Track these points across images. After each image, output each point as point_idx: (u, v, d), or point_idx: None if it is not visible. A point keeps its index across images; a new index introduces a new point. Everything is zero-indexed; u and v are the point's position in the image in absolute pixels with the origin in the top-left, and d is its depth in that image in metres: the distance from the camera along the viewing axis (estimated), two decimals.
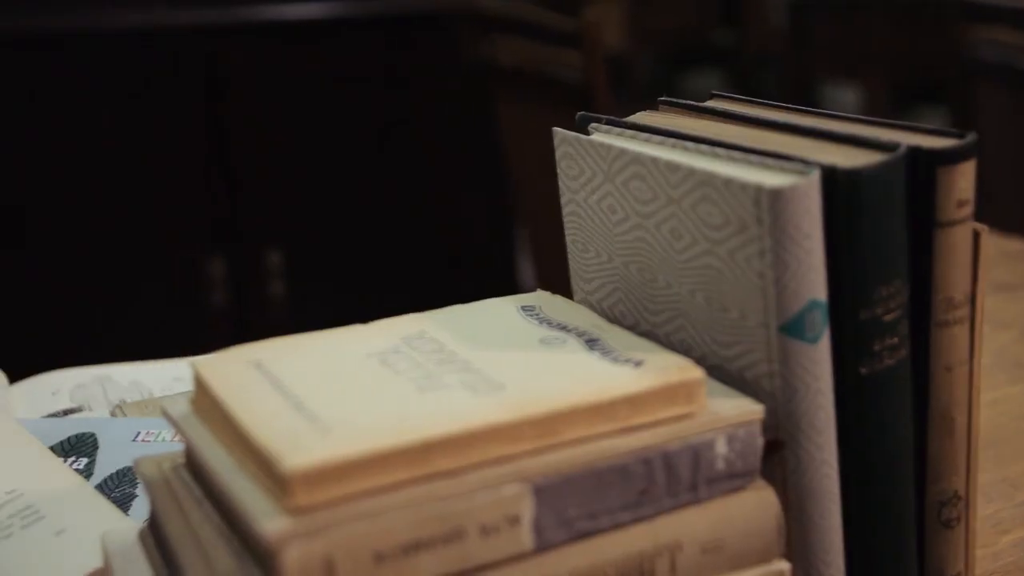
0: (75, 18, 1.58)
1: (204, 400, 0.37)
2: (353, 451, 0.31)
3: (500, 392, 0.35)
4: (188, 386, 0.65)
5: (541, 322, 0.41)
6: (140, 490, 0.52)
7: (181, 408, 0.39)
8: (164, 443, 0.55)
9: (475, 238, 1.82)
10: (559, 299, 0.43)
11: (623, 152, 0.41)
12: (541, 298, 0.43)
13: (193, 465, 0.38)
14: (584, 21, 1.23)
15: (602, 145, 0.42)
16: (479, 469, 0.33)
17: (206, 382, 0.37)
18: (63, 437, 0.54)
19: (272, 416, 0.34)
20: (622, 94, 1.97)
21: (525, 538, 0.33)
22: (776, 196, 0.35)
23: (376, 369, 0.37)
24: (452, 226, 1.80)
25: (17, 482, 0.46)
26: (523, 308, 0.42)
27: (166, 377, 0.66)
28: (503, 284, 1.79)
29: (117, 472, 0.53)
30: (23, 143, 1.55)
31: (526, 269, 1.74)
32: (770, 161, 0.37)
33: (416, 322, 0.41)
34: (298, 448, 0.31)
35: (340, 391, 0.35)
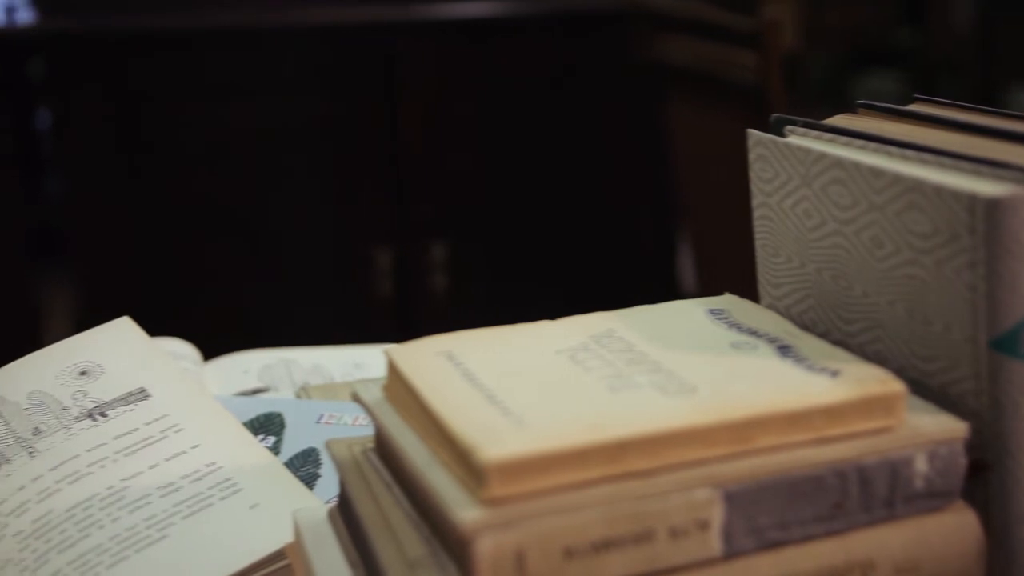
0: (256, 16, 1.66)
1: (397, 387, 0.38)
2: (549, 446, 0.32)
3: (692, 395, 0.34)
4: (367, 372, 0.67)
5: (730, 326, 0.40)
6: (323, 470, 0.54)
7: (374, 394, 0.40)
8: (345, 426, 0.57)
9: (637, 237, 1.81)
10: (748, 304, 0.43)
11: (823, 156, 0.40)
12: (730, 302, 0.43)
13: (383, 450, 0.40)
14: (763, 21, 1.21)
15: (800, 148, 0.41)
16: (671, 471, 0.32)
17: (400, 370, 0.38)
18: (253, 415, 0.56)
19: (466, 407, 0.34)
20: (793, 95, 1.92)
21: (714, 544, 0.33)
22: (993, 205, 0.33)
23: (566, 366, 0.37)
24: (614, 224, 1.80)
25: (217, 455, 0.48)
26: (711, 311, 0.42)
27: (346, 362, 0.68)
28: (663, 284, 1.78)
29: (302, 452, 0.55)
30: (212, 138, 1.63)
31: (686, 270, 1.72)
32: (983, 168, 0.36)
33: (604, 321, 0.41)
34: (494, 440, 0.32)
35: (531, 385, 0.36)
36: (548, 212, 1.78)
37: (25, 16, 1.53)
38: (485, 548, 0.31)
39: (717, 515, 0.33)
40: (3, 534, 0.45)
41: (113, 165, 1.61)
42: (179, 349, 0.68)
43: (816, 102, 2.14)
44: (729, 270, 1.52)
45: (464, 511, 0.31)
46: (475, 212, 1.76)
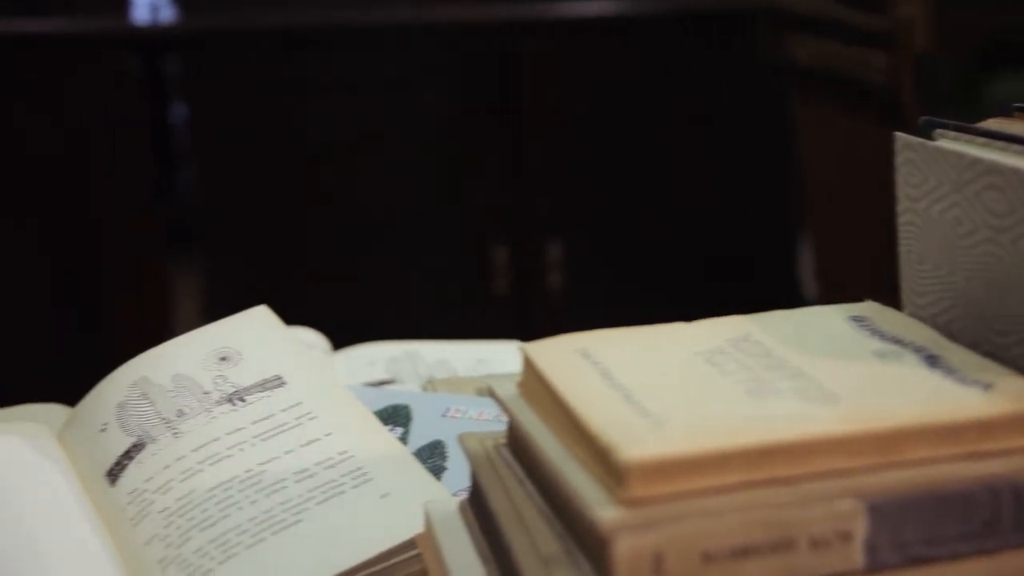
0: (384, 13, 1.69)
1: (532, 384, 0.39)
2: (690, 448, 0.31)
3: (836, 403, 0.34)
4: (491, 368, 0.68)
5: (873, 334, 0.39)
6: (449, 463, 0.54)
7: (508, 389, 0.40)
8: (470, 420, 0.58)
9: (756, 239, 1.78)
10: (891, 311, 0.42)
11: (977, 161, 0.38)
12: (872, 309, 0.42)
13: (516, 445, 0.40)
14: (895, 20, 1.17)
15: (952, 152, 0.40)
16: (814, 480, 0.32)
17: (536, 367, 0.38)
18: (381, 406, 0.57)
19: (604, 405, 0.34)
20: (923, 97, 1.85)
21: (856, 556, 0.32)
22: None
23: (703, 368, 0.37)
24: (733, 226, 1.77)
25: (349, 444, 0.50)
26: (853, 318, 0.41)
27: (470, 357, 0.69)
28: (781, 288, 1.74)
29: (428, 444, 0.56)
30: (339, 134, 1.66)
31: (808, 273, 1.68)
32: None
33: (740, 324, 0.41)
34: (634, 440, 0.32)
35: (669, 386, 0.36)
36: (666, 212, 1.76)
37: (167, 14, 1.60)
38: (623, 548, 0.31)
39: (861, 527, 0.32)
40: (149, 510, 0.47)
41: (243, 159, 1.66)
42: (310, 338, 0.70)
43: (947, 105, 2.07)
44: (853, 275, 1.48)
45: (603, 510, 0.31)
46: (592, 211, 1.76)
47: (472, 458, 0.41)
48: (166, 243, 1.68)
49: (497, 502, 0.38)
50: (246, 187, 1.67)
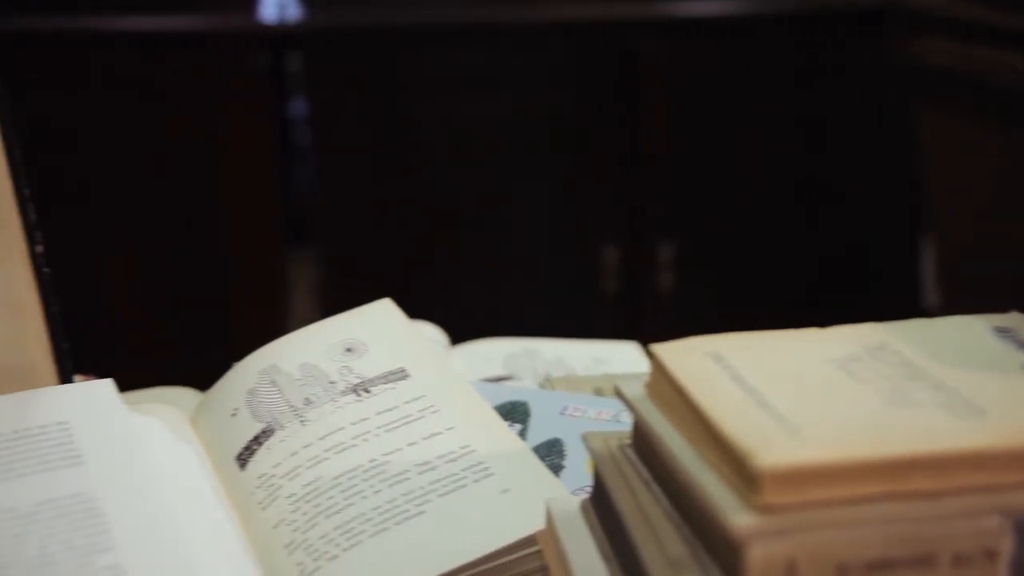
0: (502, 12, 1.70)
1: (661, 385, 0.38)
2: (828, 456, 0.31)
3: (982, 417, 0.33)
4: (608, 367, 0.68)
5: (1020, 347, 0.38)
6: (567, 462, 0.54)
7: (636, 390, 0.40)
8: (588, 420, 0.58)
9: (876, 244, 1.73)
10: None
11: None
12: (1017, 320, 0.40)
13: (643, 446, 0.40)
14: None
15: None
16: (958, 495, 0.31)
17: (667, 368, 0.38)
18: (499, 402, 0.58)
19: (737, 410, 0.34)
20: None
21: None
22: None
23: (838, 376, 0.36)
24: (852, 230, 1.73)
25: (470, 439, 0.50)
26: (997, 330, 0.39)
27: (587, 356, 0.69)
28: (902, 294, 1.69)
29: (546, 442, 0.56)
30: (455, 131, 1.68)
31: (929, 280, 1.63)
32: None
33: (875, 333, 0.40)
34: (770, 446, 0.31)
35: (803, 393, 0.35)
36: (781, 215, 1.73)
37: (293, 12, 1.64)
38: (757, 555, 0.30)
39: (1006, 546, 0.31)
40: (277, 495, 0.49)
41: (361, 155, 1.69)
42: (430, 333, 0.70)
43: None
44: (979, 283, 1.43)
45: (737, 516, 0.31)
46: (706, 213, 1.74)
47: (596, 457, 0.41)
48: (285, 236, 1.73)
49: (622, 503, 0.38)
50: (364, 183, 1.70)
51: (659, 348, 0.39)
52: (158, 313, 1.66)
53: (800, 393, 0.35)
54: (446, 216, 1.71)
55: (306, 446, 0.51)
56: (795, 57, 1.69)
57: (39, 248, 0.48)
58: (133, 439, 0.45)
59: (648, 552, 0.35)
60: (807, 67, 1.68)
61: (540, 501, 0.45)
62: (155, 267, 1.67)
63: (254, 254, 1.67)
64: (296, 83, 1.82)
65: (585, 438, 0.43)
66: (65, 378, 0.50)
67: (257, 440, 0.52)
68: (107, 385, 0.48)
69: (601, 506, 0.41)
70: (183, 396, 0.67)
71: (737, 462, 0.32)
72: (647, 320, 1.70)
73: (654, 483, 0.38)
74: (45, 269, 0.49)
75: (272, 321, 1.66)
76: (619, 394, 0.40)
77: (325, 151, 1.73)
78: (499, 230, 1.71)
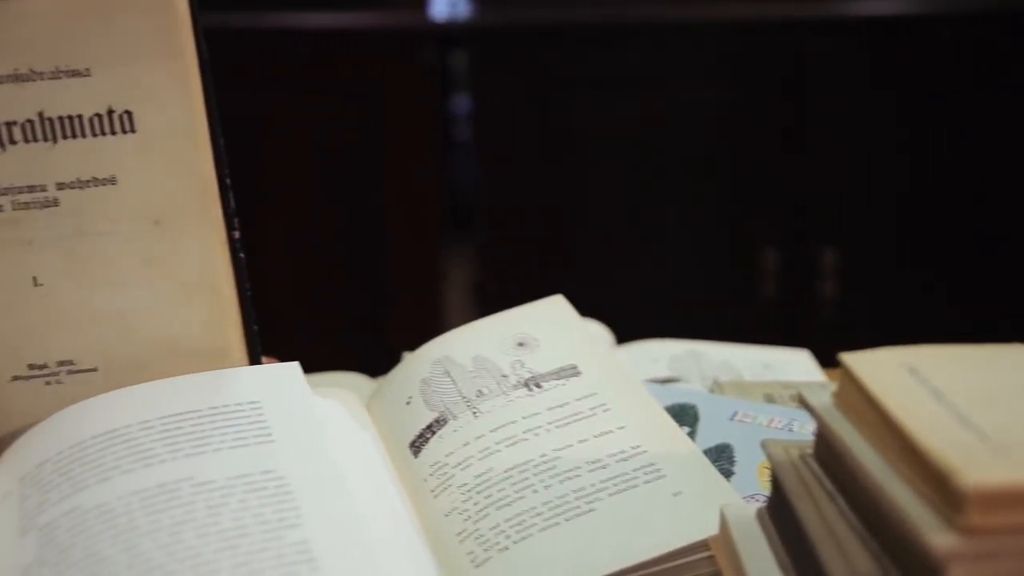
0: (667, 10, 1.68)
1: (852, 396, 0.37)
2: None
3: None
4: (778, 374, 0.66)
5: None
6: (737, 468, 0.54)
7: (823, 400, 0.39)
8: (759, 427, 0.56)
9: None
10: None
11: None
12: None
13: (828, 457, 0.39)
14: None
15: None
16: None
17: (858, 379, 0.37)
18: (667, 404, 0.57)
19: (937, 425, 0.33)
20: None
21: None
22: None
23: None
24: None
25: (642, 439, 0.50)
26: None
27: (756, 362, 0.68)
28: None
29: (716, 447, 0.55)
30: (617, 129, 1.68)
31: None
32: None
33: None
34: (975, 464, 0.30)
35: (1008, 411, 0.33)
36: (955, 221, 1.65)
37: (463, 10, 1.67)
38: None
39: None
40: (449, 484, 0.50)
41: (521, 151, 1.70)
42: (596, 331, 0.70)
43: None
44: None
45: (937, 536, 0.30)
46: (872, 218, 1.68)
47: (777, 466, 0.40)
48: (443, 230, 1.76)
49: (805, 514, 0.37)
50: (523, 180, 1.72)
51: (850, 358, 0.38)
52: (317, 299, 1.72)
53: (1005, 411, 0.33)
54: (604, 214, 1.71)
55: (478, 437, 0.52)
56: (970, 57, 1.61)
57: (236, 234, 0.51)
58: (319, 421, 0.47)
59: (833, 566, 0.34)
60: (979, 67, 1.61)
61: (712, 506, 0.45)
62: (316, 254, 1.73)
63: (413, 246, 1.71)
64: (459, 80, 1.85)
65: (765, 445, 0.42)
66: (254, 359, 0.52)
67: (430, 429, 0.53)
68: (294, 368, 0.50)
69: (780, 515, 0.40)
70: (355, 381, 0.69)
71: (938, 480, 0.31)
72: (805, 327, 1.65)
73: (839, 495, 0.37)
74: (240, 255, 0.51)
75: (428, 312, 1.69)
76: (804, 403, 0.40)
77: (486, 147, 1.75)
78: (656, 229, 1.70)
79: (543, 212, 1.71)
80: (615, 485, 0.48)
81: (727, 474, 0.53)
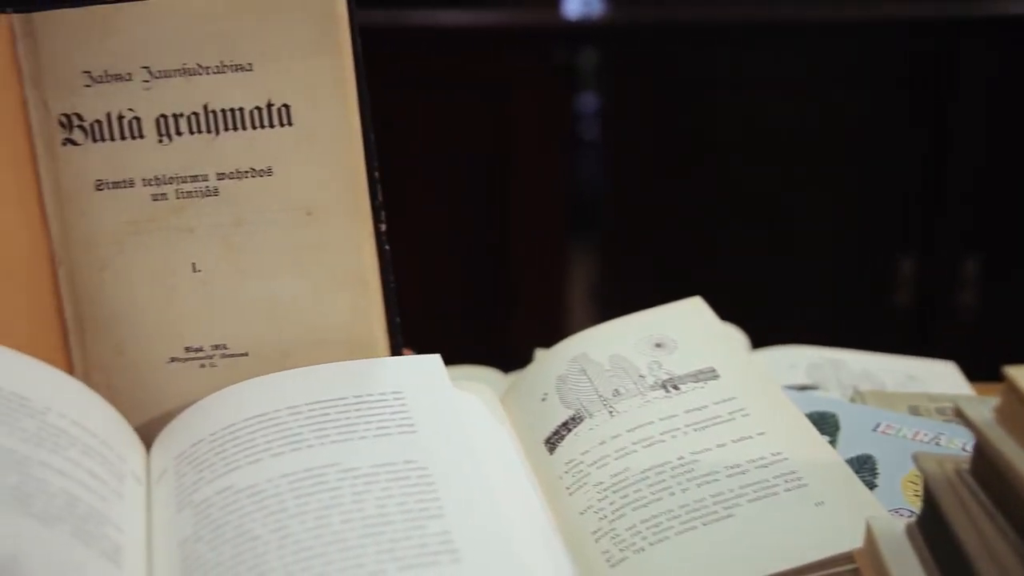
0: (797, 11, 1.64)
1: (1016, 411, 0.36)
2: None
3: None
4: (923, 385, 0.64)
5: None
6: (880, 480, 0.52)
7: (982, 414, 0.38)
8: (904, 439, 0.55)
9: None
10: None
11: None
12: None
13: (988, 474, 0.37)
14: None
15: None
16: None
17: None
18: (807, 412, 0.56)
19: None
20: None
21: None
22: None
23: None
24: None
25: (782, 446, 0.49)
26: None
27: (898, 372, 0.66)
28: None
29: (857, 457, 0.54)
30: (747, 130, 1.65)
31: None
32: None
33: None
34: None
35: None
36: None
37: (596, 9, 1.67)
38: None
39: None
40: (585, 482, 0.50)
41: (648, 151, 1.69)
42: (733, 334, 0.69)
43: None
44: None
45: None
46: (1014, 225, 1.61)
47: (931, 481, 0.39)
48: (569, 226, 1.76)
49: (962, 532, 0.36)
50: (649, 180, 1.71)
51: (1016, 371, 0.36)
52: (442, 294, 1.74)
53: None
54: (731, 217, 1.68)
55: (614, 437, 0.51)
56: None
57: (383, 227, 0.52)
58: (459, 414, 0.48)
59: None
60: None
61: (857, 518, 0.44)
62: (441, 249, 1.75)
63: (538, 242, 1.71)
64: (587, 78, 1.84)
65: (917, 458, 0.40)
66: (396, 350, 0.53)
67: (566, 426, 0.53)
68: (436, 360, 0.51)
69: (932, 532, 0.39)
70: (489, 375, 0.69)
71: None
72: (942, 338, 1.59)
73: (998, 513, 0.36)
74: (386, 247, 0.52)
75: (550, 309, 1.70)
76: (962, 417, 0.38)
77: (613, 146, 1.75)
78: (786, 234, 1.66)
79: (668, 213, 1.70)
80: (754, 492, 0.47)
81: (869, 486, 0.51)
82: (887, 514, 0.45)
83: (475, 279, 1.75)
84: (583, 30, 1.69)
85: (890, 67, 1.61)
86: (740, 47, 1.65)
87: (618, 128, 1.72)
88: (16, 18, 0.48)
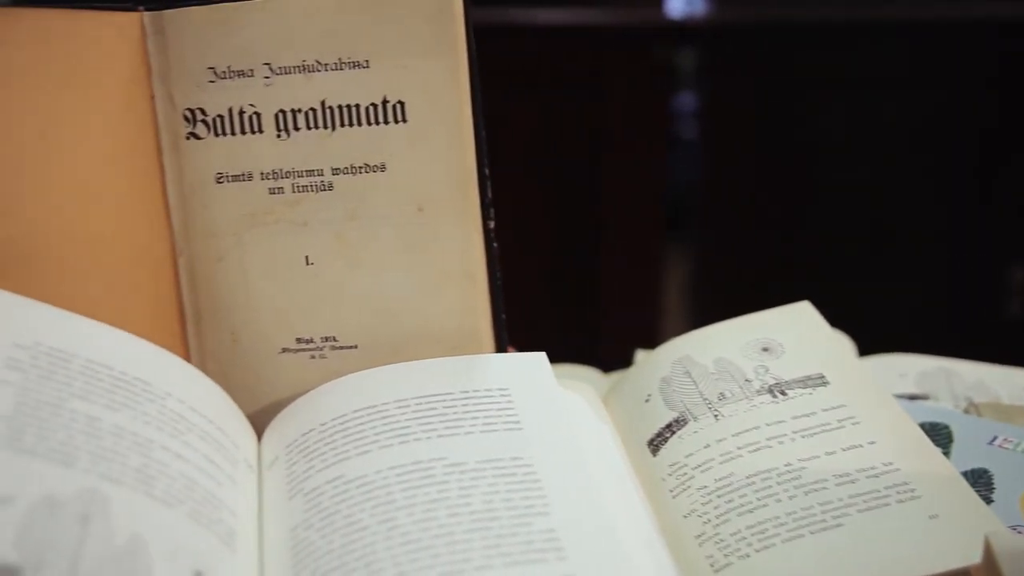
0: (900, 10, 1.60)
1: None
2: None
3: None
4: None
5: None
6: (996, 495, 0.50)
7: None
8: (1022, 454, 0.53)
9: None
10: None
11: None
12: None
13: None
14: None
15: None
16: None
17: None
18: (917, 422, 0.55)
19: None
20: None
21: None
22: None
23: None
24: None
25: (894, 456, 0.48)
26: None
27: (1017, 385, 0.64)
28: None
29: (972, 471, 0.52)
30: (848, 132, 1.62)
31: None
32: None
33: None
34: None
35: None
36: None
37: (698, 8, 1.65)
38: None
39: None
40: (689, 485, 0.49)
41: (747, 152, 1.67)
42: (841, 339, 0.68)
43: None
44: None
45: None
46: None
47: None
48: (664, 227, 1.75)
49: None
50: (747, 180, 1.68)
51: None
52: (534, 292, 1.75)
53: None
54: (832, 220, 1.65)
55: (719, 440, 0.51)
56: None
57: (491, 224, 0.52)
58: (565, 412, 0.48)
59: None
60: None
61: (973, 533, 0.42)
62: (535, 246, 1.75)
63: (632, 242, 1.70)
64: (685, 77, 1.83)
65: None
66: (501, 347, 0.53)
67: (669, 428, 0.53)
68: (541, 358, 0.51)
69: None
70: (589, 374, 0.69)
71: None
72: None
73: None
74: (493, 244, 0.52)
75: (644, 309, 1.69)
76: None
77: (711, 146, 1.73)
78: (889, 239, 1.62)
79: (767, 214, 1.67)
80: (864, 502, 0.46)
81: (985, 501, 0.50)
82: (1008, 530, 0.44)
83: (568, 277, 1.75)
84: (684, 29, 1.68)
85: (999, 68, 1.56)
86: (842, 47, 1.61)
87: (717, 128, 1.70)
88: (147, 16, 0.50)
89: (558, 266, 1.75)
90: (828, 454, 0.49)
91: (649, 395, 0.56)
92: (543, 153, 1.71)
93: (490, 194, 0.52)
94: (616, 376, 0.65)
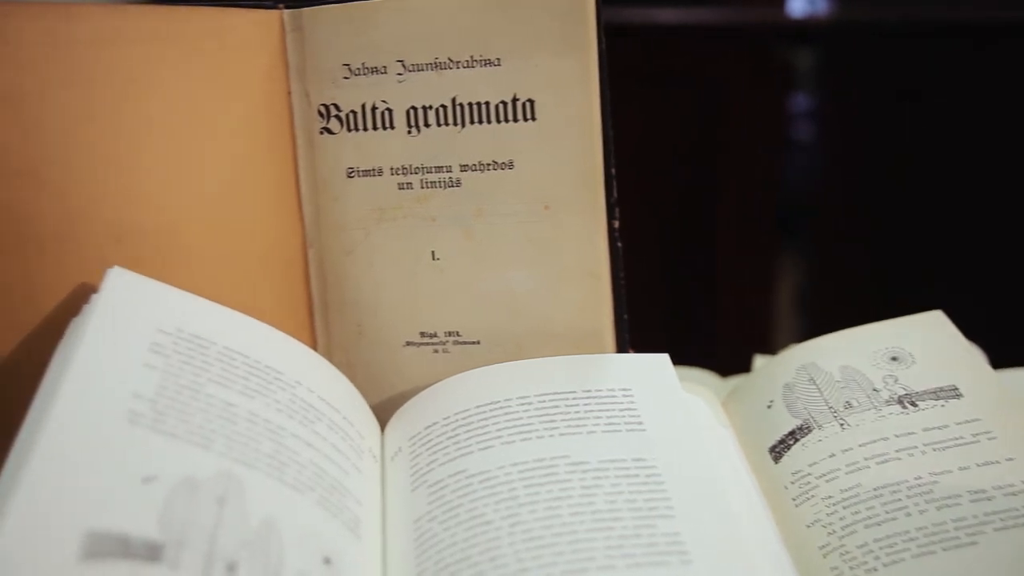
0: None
1: None
2: None
3: None
4: None
5: None
6: None
7: None
8: None
9: None
10: None
11: None
12: None
13: None
14: None
15: None
16: None
17: None
18: None
19: None
20: None
21: None
22: None
23: None
24: None
25: None
26: None
27: None
28: None
29: None
30: (960, 141, 1.56)
31: None
32: None
33: None
34: None
35: None
36: None
37: (820, 8, 1.62)
38: None
39: None
40: (813, 494, 0.48)
41: (864, 155, 1.63)
42: (974, 351, 0.66)
43: None
44: None
45: None
46: None
47: None
48: (777, 228, 1.72)
49: None
50: (865, 184, 1.64)
51: None
52: (645, 294, 1.73)
53: None
54: (957, 227, 1.59)
55: (845, 450, 0.50)
56: None
57: (616, 223, 0.52)
58: (688, 415, 0.47)
59: None
60: None
61: None
62: (648, 246, 1.74)
63: (746, 244, 1.68)
64: (801, 78, 1.79)
65: None
66: (622, 347, 0.53)
67: (793, 435, 0.52)
68: (664, 359, 0.51)
69: None
70: (707, 378, 0.68)
71: None
72: None
73: None
74: (618, 243, 0.52)
75: (757, 313, 1.66)
76: None
77: (828, 149, 1.69)
78: (1020, 243, 1.56)
79: (886, 219, 1.63)
80: (1001, 520, 0.44)
81: None
82: None
83: (681, 279, 1.73)
84: (805, 29, 1.64)
85: None
86: (963, 48, 1.56)
87: (836, 129, 1.66)
88: (287, 13, 0.51)
89: (672, 266, 1.73)
90: (962, 469, 0.47)
91: (771, 401, 0.55)
92: (659, 152, 1.69)
93: (615, 194, 0.52)
94: (735, 380, 0.64)
